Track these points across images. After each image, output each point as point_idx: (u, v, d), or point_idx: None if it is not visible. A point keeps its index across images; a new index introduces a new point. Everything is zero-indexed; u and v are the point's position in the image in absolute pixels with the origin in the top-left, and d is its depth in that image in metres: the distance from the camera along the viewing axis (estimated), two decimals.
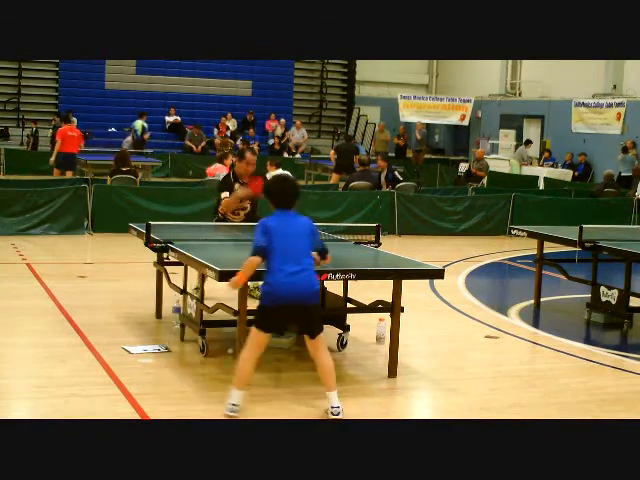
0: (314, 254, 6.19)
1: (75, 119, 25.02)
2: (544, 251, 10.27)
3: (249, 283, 7.22)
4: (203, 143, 26.25)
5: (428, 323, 9.31)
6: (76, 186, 14.25)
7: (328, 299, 7.96)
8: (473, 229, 16.29)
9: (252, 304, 8.32)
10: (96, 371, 6.90)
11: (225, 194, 9.07)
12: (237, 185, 9.19)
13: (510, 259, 13.88)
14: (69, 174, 19.05)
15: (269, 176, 15.16)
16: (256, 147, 26.97)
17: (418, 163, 27.08)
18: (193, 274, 8.12)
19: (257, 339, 6.02)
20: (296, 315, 6.04)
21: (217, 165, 15.58)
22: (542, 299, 10.20)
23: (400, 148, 28.56)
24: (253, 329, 6.06)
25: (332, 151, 21.46)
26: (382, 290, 7.60)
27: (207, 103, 28.88)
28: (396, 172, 16.89)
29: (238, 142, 24.48)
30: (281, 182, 6.24)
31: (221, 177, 10.42)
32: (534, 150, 26.51)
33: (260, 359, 6.13)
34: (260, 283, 6.37)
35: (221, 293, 9.13)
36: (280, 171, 14.94)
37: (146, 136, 24.27)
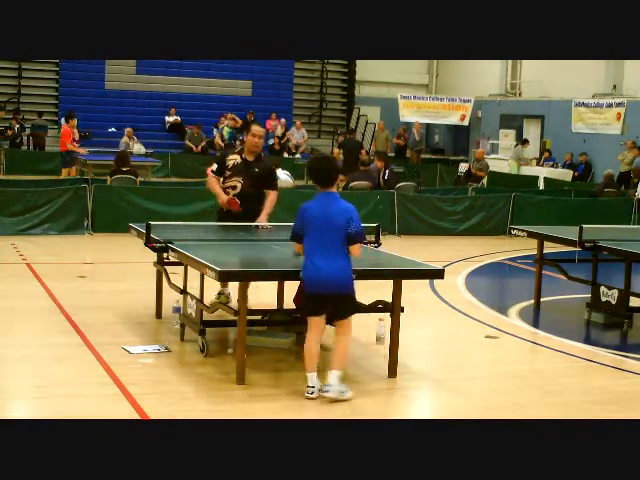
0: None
1: (74, 119, 25.06)
2: (544, 251, 10.28)
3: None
4: (203, 143, 26.23)
5: (428, 323, 9.31)
6: (76, 186, 14.25)
7: None
8: (473, 229, 16.29)
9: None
10: (96, 371, 6.90)
11: (213, 166, 8.89)
12: (234, 156, 8.84)
13: (510, 259, 13.88)
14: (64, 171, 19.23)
15: None
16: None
17: (418, 163, 27.10)
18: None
19: (310, 323, 6.52)
20: (330, 302, 6.46)
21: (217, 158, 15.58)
22: (542, 299, 10.20)
23: (401, 148, 28.57)
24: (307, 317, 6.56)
25: (337, 150, 21.29)
26: (382, 290, 7.59)
27: (207, 103, 28.87)
28: (387, 171, 16.81)
29: (237, 143, 24.46)
30: (317, 160, 6.75)
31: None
32: (534, 150, 26.51)
33: (260, 359, 6.16)
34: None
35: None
36: (279, 170, 14.97)
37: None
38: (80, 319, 8.42)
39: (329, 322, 6.61)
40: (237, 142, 24.33)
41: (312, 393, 6.36)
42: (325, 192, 6.47)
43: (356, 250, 6.46)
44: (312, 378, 6.40)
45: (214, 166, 8.88)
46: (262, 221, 8.65)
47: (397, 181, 17.04)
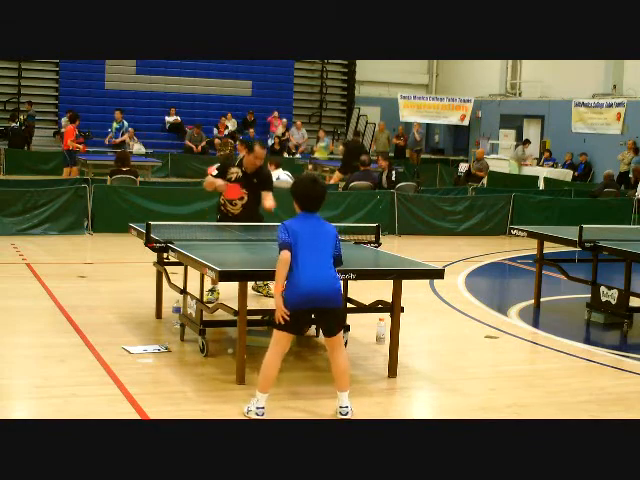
0: None
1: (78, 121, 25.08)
2: (544, 251, 10.28)
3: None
4: (203, 143, 26.24)
5: (428, 323, 9.31)
6: (76, 186, 14.24)
7: None
8: (473, 229, 16.28)
9: (257, 302, 8.32)
10: (96, 371, 6.89)
11: (215, 171, 9.28)
12: (235, 169, 9.19)
13: (510, 259, 13.88)
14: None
15: None
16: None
17: (418, 163, 27.11)
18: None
19: (281, 339, 5.97)
20: (317, 317, 6.04)
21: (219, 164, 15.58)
22: (542, 299, 10.19)
23: (400, 148, 28.58)
24: (275, 331, 5.99)
25: (341, 147, 21.34)
26: (382, 290, 7.60)
27: (207, 103, 28.88)
28: (393, 171, 16.82)
29: (237, 143, 24.39)
30: (309, 184, 6.03)
31: None
32: (534, 150, 26.51)
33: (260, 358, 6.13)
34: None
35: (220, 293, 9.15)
36: (280, 171, 14.98)
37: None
38: (80, 319, 8.42)
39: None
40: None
41: (263, 414, 5.92)
42: (309, 213, 6.00)
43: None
44: (264, 399, 5.96)
45: (215, 171, 9.28)
46: (271, 201, 9.05)
47: (399, 181, 17.00)
